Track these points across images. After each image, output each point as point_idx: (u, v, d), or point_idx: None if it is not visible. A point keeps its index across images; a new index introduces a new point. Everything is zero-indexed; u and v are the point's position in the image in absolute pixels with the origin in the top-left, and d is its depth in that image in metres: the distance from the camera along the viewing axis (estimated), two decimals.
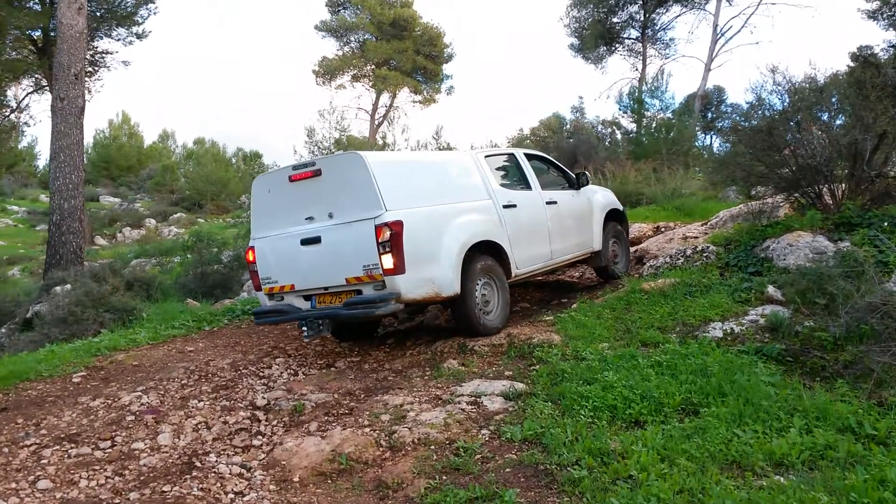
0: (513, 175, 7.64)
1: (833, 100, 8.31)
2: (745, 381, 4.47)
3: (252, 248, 6.44)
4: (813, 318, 5.51)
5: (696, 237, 9.40)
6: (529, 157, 8.00)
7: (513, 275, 6.79)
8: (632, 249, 9.99)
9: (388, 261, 5.50)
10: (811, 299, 5.74)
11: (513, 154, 7.80)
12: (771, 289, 6.35)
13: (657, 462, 3.54)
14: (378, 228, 5.52)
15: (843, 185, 7.74)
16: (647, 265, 8.79)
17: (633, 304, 6.92)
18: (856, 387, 4.50)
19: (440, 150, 19.47)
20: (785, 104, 8.06)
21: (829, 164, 7.55)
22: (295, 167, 6.18)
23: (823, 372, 4.87)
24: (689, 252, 8.17)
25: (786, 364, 5.03)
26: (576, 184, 8.31)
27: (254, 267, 6.43)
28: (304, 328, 6.04)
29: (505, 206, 6.87)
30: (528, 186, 7.55)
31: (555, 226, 7.58)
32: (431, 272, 5.81)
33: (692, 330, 5.93)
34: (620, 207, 9.14)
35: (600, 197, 8.74)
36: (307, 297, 6.19)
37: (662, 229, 11.36)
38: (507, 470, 3.75)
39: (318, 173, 5.95)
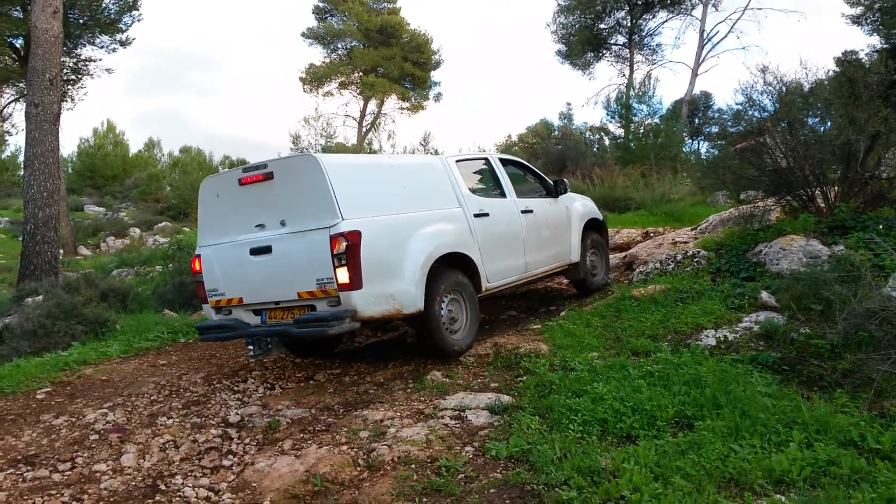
0: (486, 182, 7.26)
1: (819, 104, 8.16)
2: (740, 391, 4.28)
3: (198, 256, 5.95)
4: (809, 325, 5.32)
5: (685, 242, 9.24)
6: (505, 162, 7.62)
7: (483, 289, 6.37)
8: (621, 255, 9.82)
9: (343, 275, 5.05)
10: (806, 305, 5.56)
11: (487, 159, 7.40)
12: (765, 294, 6.17)
13: (650, 481, 3.32)
14: (333, 239, 5.05)
15: (836, 187, 7.60)
16: (636, 271, 8.61)
17: (623, 311, 6.74)
18: (855, 396, 4.31)
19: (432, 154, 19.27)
20: (776, 106, 7.90)
21: (821, 166, 7.40)
22: (245, 169, 5.66)
23: (821, 381, 4.67)
24: (679, 257, 8.00)
25: (782, 373, 4.84)
26: (554, 191, 7.94)
27: (199, 277, 5.93)
28: (251, 346, 5.63)
29: (476, 215, 6.45)
30: (502, 194, 7.15)
31: (530, 236, 7.19)
32: (392, 287, 5.36)
33: (684, 338, 5.73)
34: (600, 217, 8.81)
35: (579, 205, 8.39)
36: (257, 312, 5.69)
37: (652, 234, 11.22)
38: (492, 490, 3.52)
39: (269, 176, 5.46)
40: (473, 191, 6.72)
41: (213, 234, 5.91)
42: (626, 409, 4.22)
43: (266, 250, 5.43)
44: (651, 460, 3.54)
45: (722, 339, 5.53)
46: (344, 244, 5.03)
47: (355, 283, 5.06)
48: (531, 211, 7.32)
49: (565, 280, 9.41)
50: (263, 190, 5.50)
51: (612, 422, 4.12)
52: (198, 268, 5.93)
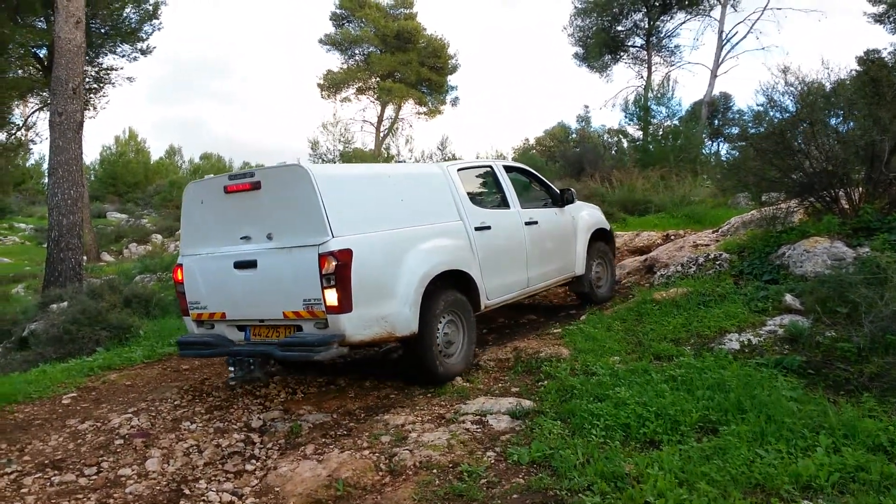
0: (489, 191, 6.98)
1: (842, 104, 8.04)
2: (765, 396, 4.22)
3: (180, 265, 5.59)
4: (834, 328, 5.25)
5: (707, 245, 9.15)
6: (509, 169, 7.29)
7: (482, 307, 6.07)
8: (641, 258, 9.74)
9: (331, 296, 4.69)
10: (832, 308, 5.48)
11: (490, 167, 7.04)
12: (789, 297, 6.09)
13: (675, 486, 3.29)
14: (322, 258, 4.69)
15: (860, 188, 7.47)
16: (657, 274, 8.54)
17: (645, 315, 6.69)
18: (883, 400, 4.24)
19: (444, 160, 19.28)
20: (798, 106, 7.80)
21: (845, 166, 7.29)
22: (231, 177, 5.31)
23: (848, 385, 4.60)
24: (701, 260, 7.92)
25: (807, 377, 4.77)
26: (560, 200, 7.64)
27: (181, 288, 5.56)
28: (232, 368, 5.26)
29: (478, 228, 6.12)
30: (505, 204, 6.84)
31: (534, 249, 6.89)
32: (385, 309, 5.02)
33: (707, 342, 5.67)
34: (608, 227, 8.57)
35: (586, 215, 8.13)
36: (241, 328, 5.35)
37: (672, 237, 11.13)
38: (515, 496, 3.50)
39: (256, 186, 5.10)
40: (475, 201, 6.45)
41: (196, 243, 5.59)
42: (649, 414, 4.19)
43: (251, 265, 5.09)
44: (675, 466, 3.50)
45: (746, 342, 5.47)
46: (333, 264, 4.69)
47: (344, 305, 4.73)
48: (536, 222, 7.05)
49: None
50: (250, 200, 5.18)
51: (634, 427, 4.09)
52: (180, 278, 5.58)
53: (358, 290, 4.79)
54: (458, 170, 6.45)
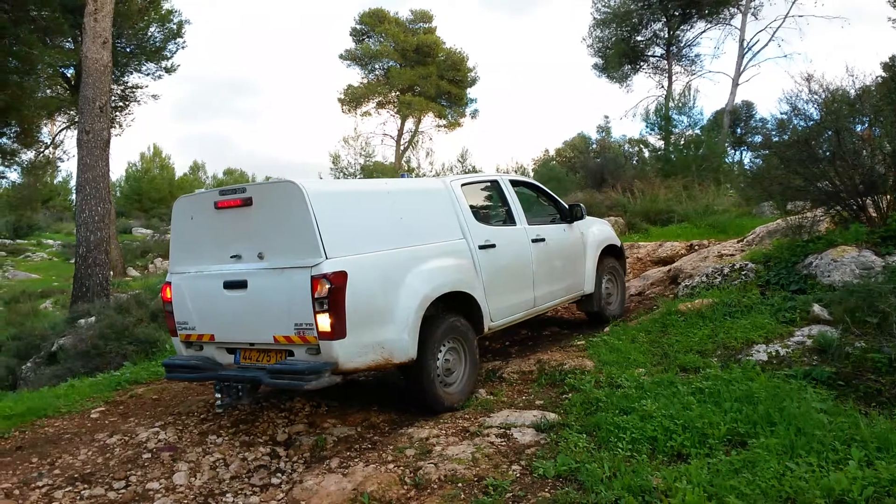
0: (494, 207, 6.72)
1: (866, 111, 7.93)
2: (794, 408, 4.15)
3: (168, 283, 5.35)
4: (864, 339, 5.16)
5: (732, 255, 9.07)
6: (515, 184, 7.02)
7: (485, 329, 5.78)
8: (665, 269, 9.67)
9: (324, 322, 4.42)
10: (861, 318, 5.40)
11: (496, 181, 6.77)
12: (817, 307, 6.00)
13: (704, 500, 3.24)
14: (314, 280, 4.42)
15: (888, 196, 7.36)
16: (681, 285, 8.47)
17: (670, 326, 6.63)
18: None
19: (465, 172, 19.31)
20: (822, 113, 7.72)
21: (871, 174, 7.20)
22: (222, 192, 5.01)
23: (880, 397, 4.51)
24: (726, 270, 7.84)
25: (837, 389, 4.69)
26: (568, 216, 7.39)
27: (169, 307, 5.31)
28: (219, 395, 5.00)
29: (482, 247, 5.84)
30: (511, 221, 6.55)
31: (540, 268, 6.61)
32: (381, 335, 4.74)
33: (734, 353, 5.60)
34: (618, 243, 8.33)
35: (596, 231, 7.87)
36: (231, 350, 5.11)
37: (696, 247, 11.04)
38: None
39: (247, 202, 4.82)
40: (479, 217, 6.12)
41: (185, 260, 5.34)
42: (676, 427, 4.14)
43: (241, 285, 4.84)
44: (704, 479, 3.46)
45: (773, 353, 5.39)
46: (326, 287, 4.41)
47: (338, 331, 4.45)
48: (543, 239, 6.75)
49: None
50: (241, 217, 4.90)
51: (661, 440, 4.04)
52: (168, 296, 5.33)
53: (353, 315, 4.52)
54: (462, 185, 6.17)
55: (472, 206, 6.07)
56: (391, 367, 4.95)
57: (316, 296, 4.42)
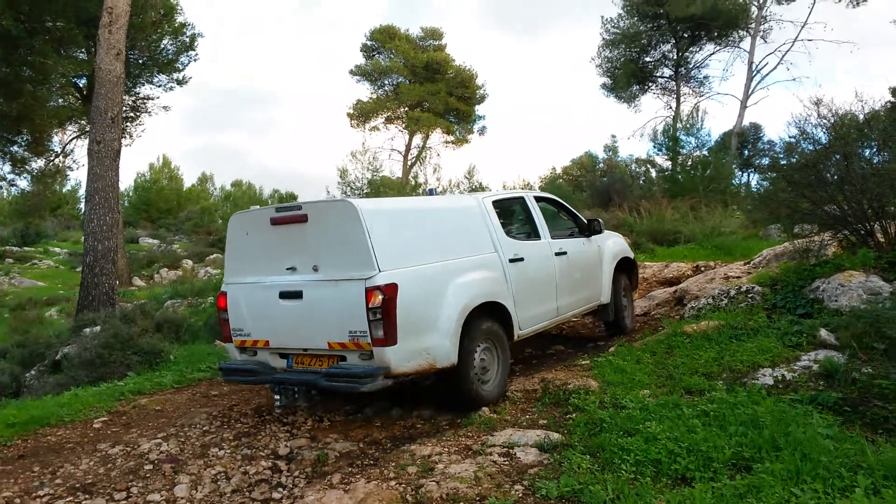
0: (521, 223, 7.09)
1: (874, 135, 7.93)
2: (800, 433, 4.11)
3: (224, 293, 5.73)
4: (871, 365, 5.13)
5: (738, 277, 9.04)
6: (539, 199, 7.42)
7: (515, 336, 6.14)
8: (671, 289, 9.65)
9: (378, 330, 4.79)
10: (868, 344, 5.36)
11: (522, 198, 7.17)
12: (823, 332, 5.97)
13: None
14: (369, 292, 4.79)
15: None
16: (688, 306, 8.44)
17: (675, 347, 6.60)
18: None
19: (473, 190, 19.35)
20: (830, 137, 7.73)
21: (879, 200, 7.18)
22: (279, 209, 5.42)
23: (886, 423, 4.47)
24: (732, 293, 7.82)
25: (844, 414, 4.64)
26: (587, 230, 7.78)
27: (224, 315, 5.70)
28: (278, 396, 5.34)
29: (511, 260, 6.20)
30: (536, 235, 6.94)
31: (563, 280, 6.98)
32: (427, 341, 5.08)
33: (740, 376, 5.57)
34: (631, 255, 8.75)
35: (611, 244, 8.26)
36: (283, 355, 5.47)
37: (702, 269, 11.02)
38: None
39: (304, 219, 5.21)
40: (508, 233, 6.52)
41: (240, 271, 5.72)
42: (680, 450, 4.10)
43: (297, 295, 5.21)
44: (708, 503, 3.43)
45: (780, 378, 5.36)
46: (380, 297, 4.78)
47: (390, 338, 4.82)
48: (565, 253, 7.13)
49: None
50: (296, 232, 5.28)
51: (666, 462, 4.01)
52: (224, 305, 5.73)
53: (402, 323, 4.86)
54: (493, 201, 6.52)
55: (502, 222, 6.42)
56: (434, 371, 5.21)
57: (370, 305, 4.79)
